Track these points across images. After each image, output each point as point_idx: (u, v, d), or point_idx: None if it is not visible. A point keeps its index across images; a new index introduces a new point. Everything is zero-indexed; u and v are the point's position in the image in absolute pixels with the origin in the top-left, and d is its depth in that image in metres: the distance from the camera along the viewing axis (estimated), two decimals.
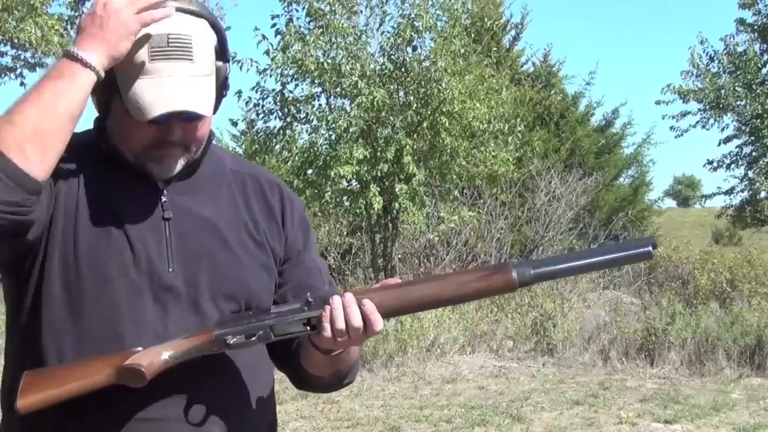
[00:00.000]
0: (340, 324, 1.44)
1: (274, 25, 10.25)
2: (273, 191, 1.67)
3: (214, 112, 1.57)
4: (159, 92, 1.42)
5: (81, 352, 1.45)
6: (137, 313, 1.47)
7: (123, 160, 1.52)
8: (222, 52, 1.54)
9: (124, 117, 1.46)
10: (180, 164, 1.52)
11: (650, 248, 1.52)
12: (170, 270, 1.50)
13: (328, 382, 1.64)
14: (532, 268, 1.49)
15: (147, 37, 1.43)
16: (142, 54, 1.44)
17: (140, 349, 1.42)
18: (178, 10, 1.46)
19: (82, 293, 1.45)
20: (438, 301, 1.51)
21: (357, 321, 1.44)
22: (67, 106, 1.36)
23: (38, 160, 1.33)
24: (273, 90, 10.46)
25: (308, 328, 1.48)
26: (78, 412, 1.44)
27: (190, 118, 1.48)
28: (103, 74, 1.40)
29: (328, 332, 1.45)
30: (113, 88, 1.46)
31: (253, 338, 1.47)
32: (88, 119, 1.47)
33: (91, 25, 1.40)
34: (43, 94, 1.35)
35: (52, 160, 1.36)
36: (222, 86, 1.56)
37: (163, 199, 1.53)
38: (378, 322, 1.46)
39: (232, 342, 1.46)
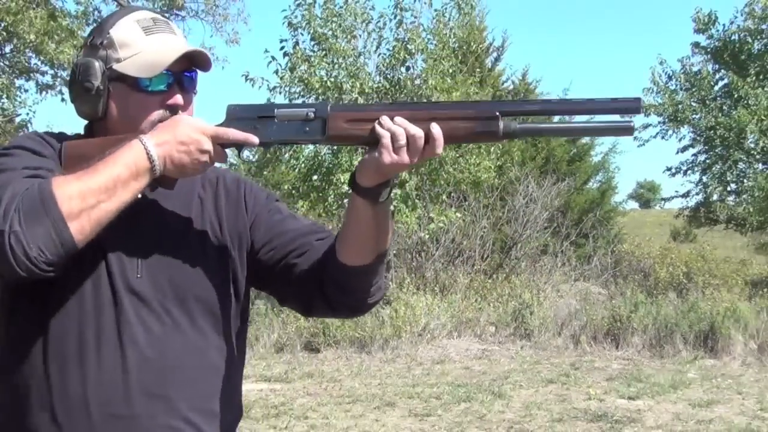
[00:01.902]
0: (395, 128, 1.32)
1: (282, 47, 10.26)
2: (238, 186, 1.59)
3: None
4: (166, 45, 1.44)
5: (62, 346, 1.37)
6: (109, 318, 1.38)
7: None
8: None
9: (131, 99, 1.43)
10: None
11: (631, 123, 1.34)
12: (138, 276, 1.41)
13: (370, 269, 1.47)
14: (520, 123, 1.36)
15: (135, 25, 1.45)
16: (137, 36, 1.44)
17: None
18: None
19: (68, 293, 1.38)
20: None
21: (414, 128, 1.32)
22: (128, 200, 1.32)
23: (87, 234, 1.28)
24: None
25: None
26: (50, 413, 1.37)
27: (188, 90, 1.47)
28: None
29: (386, 137, 1.32)
30: (116, 82, 1.43)
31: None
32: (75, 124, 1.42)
33: (178, 149, 1.34)
34: (117, 186, 1.29)
35: (93, 233, 1.29)
36: None
37: (139, 195, 1.40)
38: (440, 135, 1.32)
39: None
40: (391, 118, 1.33)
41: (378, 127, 1.33)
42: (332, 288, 1.49)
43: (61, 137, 1.48)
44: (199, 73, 1.51)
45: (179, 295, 1.43)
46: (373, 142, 1.35)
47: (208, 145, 1.36)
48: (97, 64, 1.43)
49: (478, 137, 1.36)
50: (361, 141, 1.38)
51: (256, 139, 1.41)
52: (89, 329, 1.38)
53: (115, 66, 1.43)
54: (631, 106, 1.33)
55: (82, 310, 1.38)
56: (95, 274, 1.39)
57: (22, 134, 1.63)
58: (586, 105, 1.34)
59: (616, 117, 1.35)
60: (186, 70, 1.46)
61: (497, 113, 1.33)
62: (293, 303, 1.60)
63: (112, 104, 1.44)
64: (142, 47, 1.43)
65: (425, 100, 9.85)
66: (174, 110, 1.44)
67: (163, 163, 1.33)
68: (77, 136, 1.51)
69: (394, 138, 1.32)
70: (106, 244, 1.38)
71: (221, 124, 1.41)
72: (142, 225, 1.43)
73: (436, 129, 1.32)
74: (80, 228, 1.26)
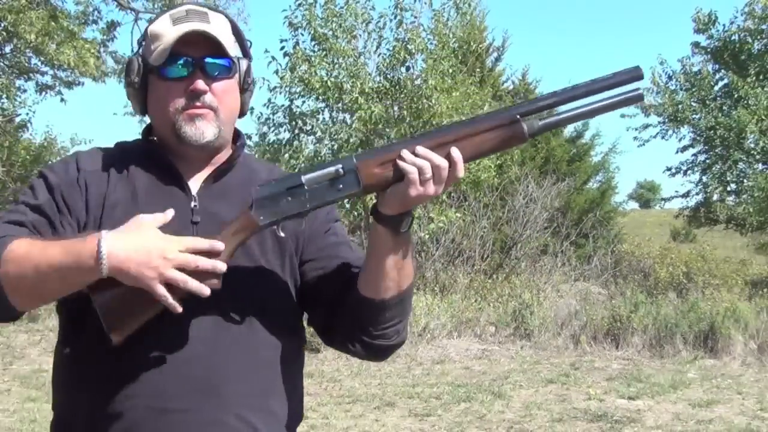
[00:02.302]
0: (421, 161, 1.31)
1: (282, 48, 10.26)
2: None
3: (242, 114, 1.54)
4: (181, 30, 1.43)
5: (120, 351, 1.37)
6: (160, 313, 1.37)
7: (161, 159, 1.47)
8: (240, 47, 1.53)
9: (158, 89, 1.45)
10: (212, 132, 1.45)
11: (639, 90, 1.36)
12: None
13: (385, 305, 1.44)
14: (540, 119, 1.37)
15: (167, 18, 1.46)
16: (166, 27, 1.45)
17: None
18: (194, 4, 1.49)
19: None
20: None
21: (439, 159, 1.32)
22: (62, 291, 1.35)
23: (26, 303, 1.36)
24: (282, 105, 10.47)
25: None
26: (103, 406, 1.38)
27: (214, 76, 1.45)
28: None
29: (413, 173, 1.30)
30: (150, 75, 1.46)
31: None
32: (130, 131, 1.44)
33: (137, 251, 1.27)
34: (52, 271, 1.30)
35: (36, 305, 1.40)
36: (244, 79, 1.51)
37: (194, 203, 1.45)
38: (460, 158, 1.32)
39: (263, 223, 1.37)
40: (412, 151, 1.32)
41: (402, 164, 1.32)
42: (347, 318, 1.47)
43: (118, 146, 1.54)
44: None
45: (232, 291, 1.40)
46: (401, 179, 1.34)
47: (173, 255, 1.29)
48: (137, 60, 1.47)
49: (506, 143, 1.37)
50: (394, 182, 1.35)
51: (220, 246, 1.32)
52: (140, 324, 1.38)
53: (149, 59, 1.46)
54: (635, 74, 1.36)
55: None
56: None
57: (61, 157, 1.67)
58: (592, 86, 1.36)
59: (620, 90, 1.37)
60: (209, 54, 1.44)
61: (517, 116, 1.35)
62: (317, 326, 1.56)
63: (150, 97, 1.48)
64: (167, 37, 1.44)
65: (425, 100, 9.86)
66: (195, 96, 1.43)
67: (109, 266, 1.27)
68: (136, 142, 1.55)
69: (420, 172, 1.31)
70: None
71: (249, 209, 1.38)
72: (198, 222, 1.44)
73: (455, 152, 1.32)
74: (15, 294, 1.33)
